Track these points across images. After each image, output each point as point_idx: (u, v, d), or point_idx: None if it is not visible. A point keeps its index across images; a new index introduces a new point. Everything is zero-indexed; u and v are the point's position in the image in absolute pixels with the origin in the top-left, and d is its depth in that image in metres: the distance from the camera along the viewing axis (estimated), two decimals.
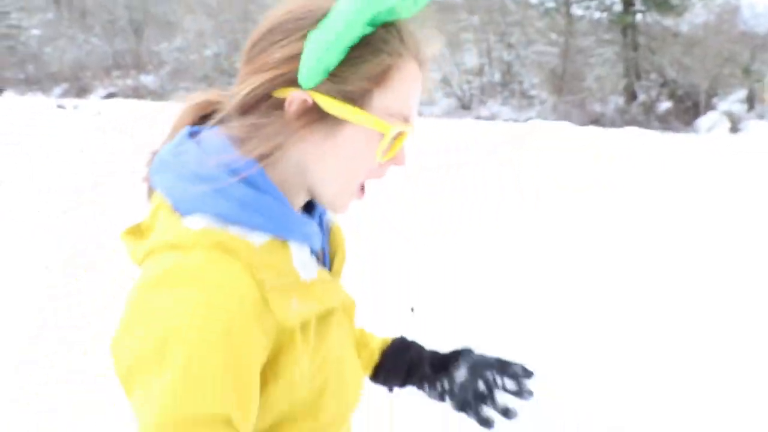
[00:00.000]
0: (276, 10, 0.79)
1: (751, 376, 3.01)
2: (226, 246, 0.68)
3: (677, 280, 4.41)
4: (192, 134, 0.81)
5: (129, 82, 27.61)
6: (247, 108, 0.77)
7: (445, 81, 24.38)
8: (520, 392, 0.99)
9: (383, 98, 0.77)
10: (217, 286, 0.65)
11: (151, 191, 0.81)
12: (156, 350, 0.63)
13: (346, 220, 1.01)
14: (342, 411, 0.83)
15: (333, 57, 0.72)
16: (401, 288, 4.02)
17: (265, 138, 0.75)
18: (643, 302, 4.05)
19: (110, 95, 25.51)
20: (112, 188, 8.53)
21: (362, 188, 0.83)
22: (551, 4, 23.56)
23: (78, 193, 8.63)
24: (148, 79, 27.94)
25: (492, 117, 20.57)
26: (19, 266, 5.16)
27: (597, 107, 21.32)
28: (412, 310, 3.74)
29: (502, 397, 1.01)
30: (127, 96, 24.81)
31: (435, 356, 1.09)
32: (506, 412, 0.99)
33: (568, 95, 21.34)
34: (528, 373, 1.01)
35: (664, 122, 19.37)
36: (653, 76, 21.76)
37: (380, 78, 0.76)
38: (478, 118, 20.31)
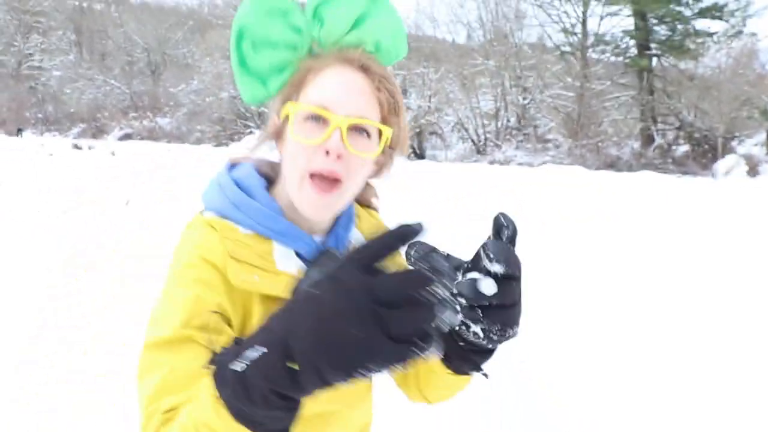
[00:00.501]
0: None
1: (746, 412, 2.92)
2: (212, 224, 0.92)
3: (673, 302, 4.63)
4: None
5: (145, 123, 27.91)
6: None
7: (461, 125, 24.41)
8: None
9: (303, 94, 0.92)
10: (195, 244, 0.90)
11: None
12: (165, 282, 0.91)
13: None
14: (323, 404, 0.88)
15: (242, 82, 0.96)
16: None
17: (261, 155, 1.00)
18: (639, 322, 4.17)
19: (126, 136, 25.76)
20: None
21: (312, 177, 0.89)
22: (567, 48, 23.70)
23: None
24: (164, 121, 28.24)
25: (506, 161, 20.47)
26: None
27: (613, 151, 21.18)
28: None
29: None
30: (142, 137, 25.06)
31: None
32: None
33: (584, 139, 21.21)
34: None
35: (682, 166, 19.16)
36: (670, 119, 21.64)
37: (298, 81, 0.93)
38: (493, 162, 20.22)
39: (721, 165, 17.79)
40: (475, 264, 0.71)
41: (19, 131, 29.78)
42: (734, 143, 19.74)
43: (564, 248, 5.72)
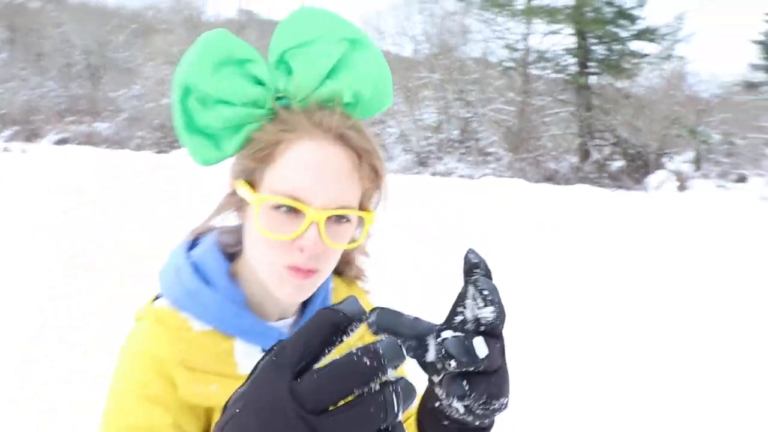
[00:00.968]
0: None
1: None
2: (163, 320, 0.81)
3: (613, 310, 4.89)
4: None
5: (83, 128, 27.06)
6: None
7: (404, 137, 24.62)
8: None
9: (270, 175, 0.78)
10: (141, 349, 0.80)
11: None
12: (109, 390, 0.84)
13: None
14: None
15: (191, 143, 0.81)
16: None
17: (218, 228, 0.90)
18: (579, 331, 4.29)
19: (62, 141, 24.93)
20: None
21: (297, 270, 0.79)
22: (510, 64, 24.24)
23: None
24: (102, 126, 27.44)
25: (448, 173, 20.76)
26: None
27: (552, 165, 21.76)
28: None
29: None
30: (80, 142, 24.28)
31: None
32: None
33: (524, 153, 21.73)
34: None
35: (616, 180, 19.83)
36: (606, 135, 22.38)
37: (264, 156, 0.78)
38: (435, 174, 20.47)
39: (652, 180, 18.58)
40: (449, 321, 0.58)
41: None
42: (665, 159, 20.58)
43: (506, 261, 5.88)
